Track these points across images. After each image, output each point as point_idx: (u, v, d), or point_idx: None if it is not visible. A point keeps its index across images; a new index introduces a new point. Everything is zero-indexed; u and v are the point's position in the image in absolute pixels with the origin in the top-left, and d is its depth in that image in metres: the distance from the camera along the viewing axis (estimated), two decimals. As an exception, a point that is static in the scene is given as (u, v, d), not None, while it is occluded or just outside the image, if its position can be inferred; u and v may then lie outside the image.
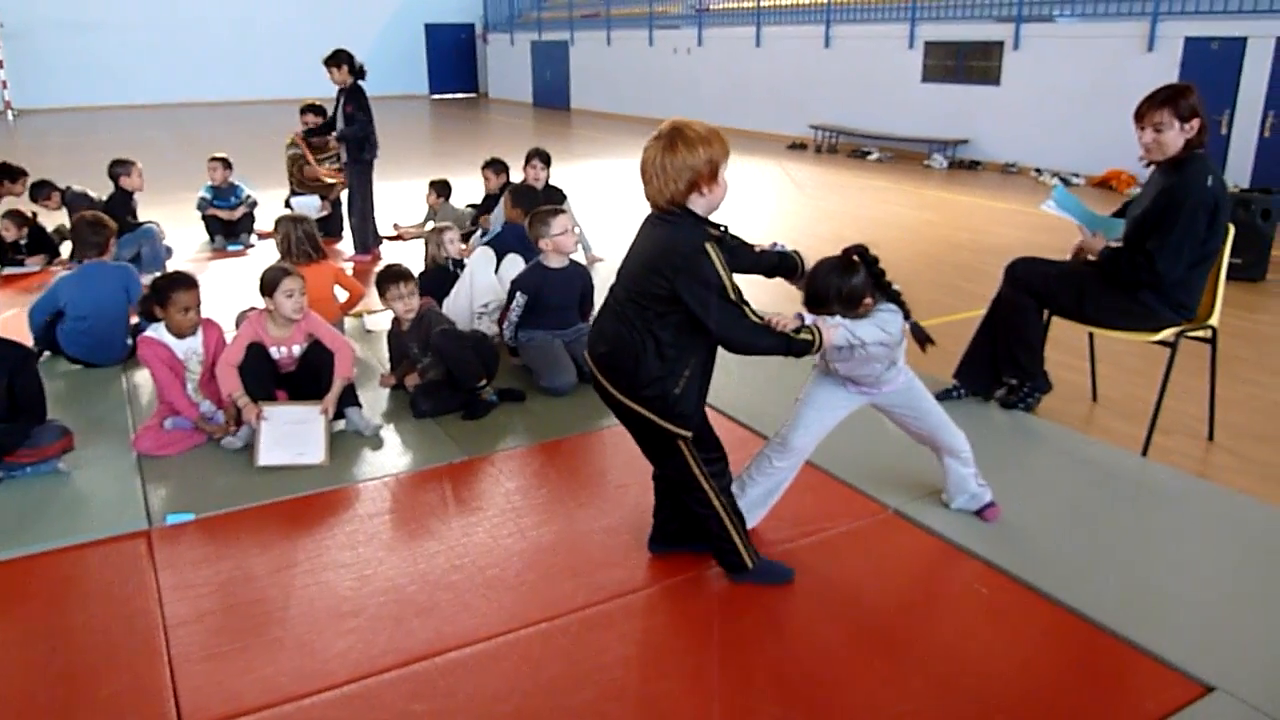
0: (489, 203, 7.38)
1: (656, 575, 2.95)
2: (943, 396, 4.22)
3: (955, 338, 5.51)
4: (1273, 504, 3.44)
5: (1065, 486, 3.54)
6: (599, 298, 3.15)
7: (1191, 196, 3.57)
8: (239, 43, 25.17)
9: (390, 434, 4.04)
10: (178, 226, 8.11)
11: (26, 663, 2.56)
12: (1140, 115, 3.67)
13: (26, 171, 7.40)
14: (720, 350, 2.71)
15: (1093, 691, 2.45)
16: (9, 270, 6.95)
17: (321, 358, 4.04)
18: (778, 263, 2.93)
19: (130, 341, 4.85)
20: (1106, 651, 2.60)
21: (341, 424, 4.03)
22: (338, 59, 7.09)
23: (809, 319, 2.64)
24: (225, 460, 3.78)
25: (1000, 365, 4.16)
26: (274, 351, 4.07)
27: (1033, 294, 3.98)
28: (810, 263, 2.88)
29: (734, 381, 4.55)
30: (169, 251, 7.17)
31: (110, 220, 5.11)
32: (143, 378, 4.58)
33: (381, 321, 5.18)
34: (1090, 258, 3.94)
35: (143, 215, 7.29)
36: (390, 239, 8.00)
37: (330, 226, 7.99)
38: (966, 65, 13.49)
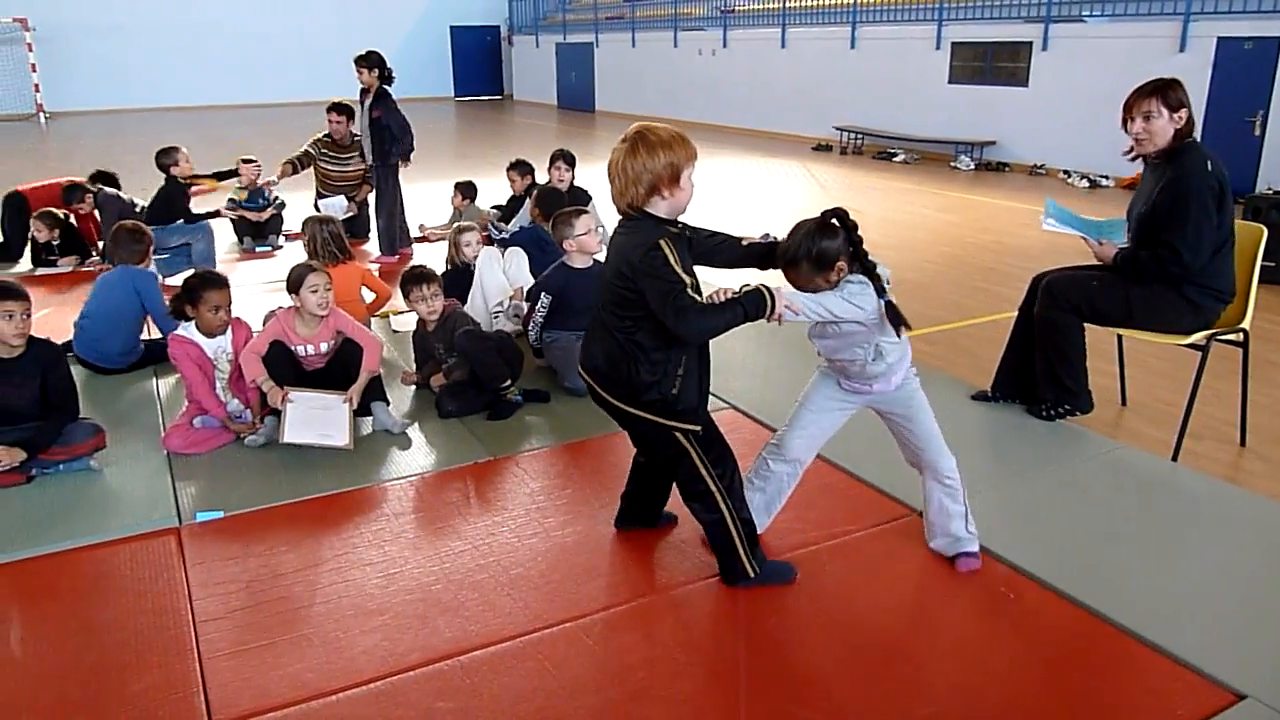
0: (514, 204, 7.41)
1: (681, 577, 2.95)
2: (980, 398, 4.21)
3: (979, 340, 5.49)
4: (1305, 510, 3.40)
5: (1094, 491, 3.51)
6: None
7: (1195, 182, 3.59)
8: (265, 46, 25.37)
9: (416, 434, 4.07)
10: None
11: (58, 657, 2.60)
12: (1129, 106, 3.71)
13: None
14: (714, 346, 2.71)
15: (1121, 698, 2.43)
16: (42, 270, 7.05)
17: (352, 355, 4.08)
18: (768, 253, 2.82)
19: (140, 349, 4.87)
20: (1135, 658, 2.58)
21: (369, 421, 4.07)
22: (370, 60, 7.13)
23: (761, 286, 2.56)
24: (253, 458, 3.82)
25: (1040, 385, 4.03)
26: (301, 350, 4.11)
27: (1075, 310, 3.87)
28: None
29: (759, 384, 4.55)
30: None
31: (149, 230, 5.12)
32: (172, 377, 4.63)
33: (408, 322, 5.21)
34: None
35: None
36: (417, 240, 8.04)
37: (357, 228, 8.04)
38: (994, 66, 13.40)
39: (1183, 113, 3.64)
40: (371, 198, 7.76)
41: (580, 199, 6.36)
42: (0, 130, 19.65)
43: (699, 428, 2.70)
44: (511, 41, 28.43)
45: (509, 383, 4.24)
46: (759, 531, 2.99)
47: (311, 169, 8.25)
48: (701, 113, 19.56)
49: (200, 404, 3.92)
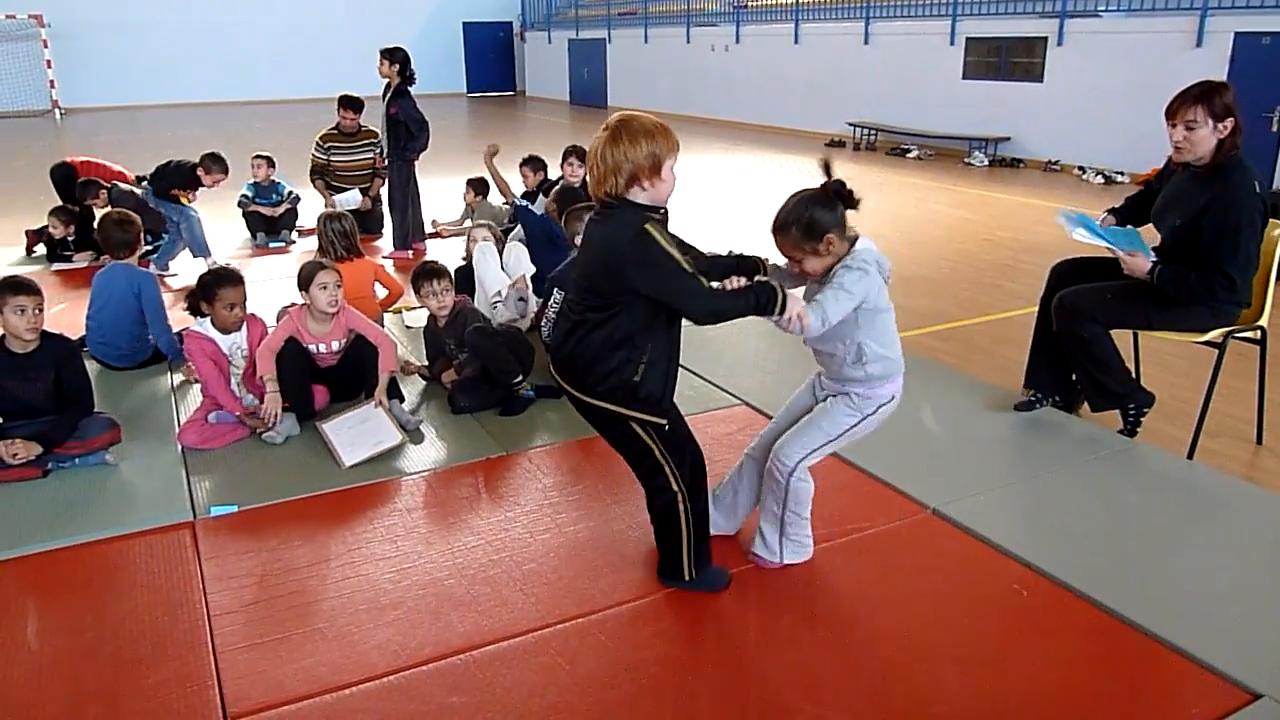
0: (527, 200, 7.40)
1: (693, 572, 2.95)
2: (1023, 407, 4.09)
3: (995, 337, 5.47)
4: (1323, 508, 3.37)
5: (1108, 489, 3.49)
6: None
7: (1247, 207, 3.49)
8: (279, 42, 25.44)
9: (429, 429, 4.08)
10: (220, 223, 8.23)
11: (74, 650, 2.62)
12: (1172, 112, 3.57)
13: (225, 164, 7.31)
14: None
15: (1135, 697, 2.42)
16: (57, 266, 7.10)
17: (364, 352, 4.10)
18: (735, 265, 2.79)
19: (149, 347, 4.85)
20: (1150, 657, 2.56)
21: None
22: (394, 55, 7.15)
23: (774, 281, 2.56)
24: (267, 453, 3.83)
25: (1092, 399, 3.94)
26: (313, 348, 4.13)
27: (1096, 320, 3.78)
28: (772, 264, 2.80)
29: (772, 381, 4.54)
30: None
31: (137, 219, 5.02)
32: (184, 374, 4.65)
33: (421, 318, 5.22)
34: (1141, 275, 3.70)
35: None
36: (429, 236, 8.06)
37: (370, 223, 8.06)
38: (1009, 62, 13.33)
39: (1228, 122, 3.48)
40: (384, 192, 7.78)
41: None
42: (16, 126, 19.78)
43: (664, 421, 2.63)
44: (524, 37, 28.42)
45: (520, 378, 4.25)
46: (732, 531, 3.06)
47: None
48: (714, 109, 19.53)
49: (215, 399, 3.94)
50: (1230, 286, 3.53)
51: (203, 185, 7.14)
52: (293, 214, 8.17)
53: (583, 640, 2.65)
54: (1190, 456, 3.77)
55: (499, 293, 5.07)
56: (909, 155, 14.12)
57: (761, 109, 18.26)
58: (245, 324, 4.09)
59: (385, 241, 7.95)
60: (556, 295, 4.58)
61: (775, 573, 2.95)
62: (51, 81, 22.50)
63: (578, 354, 2.58)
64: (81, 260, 7.16)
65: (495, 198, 8.16)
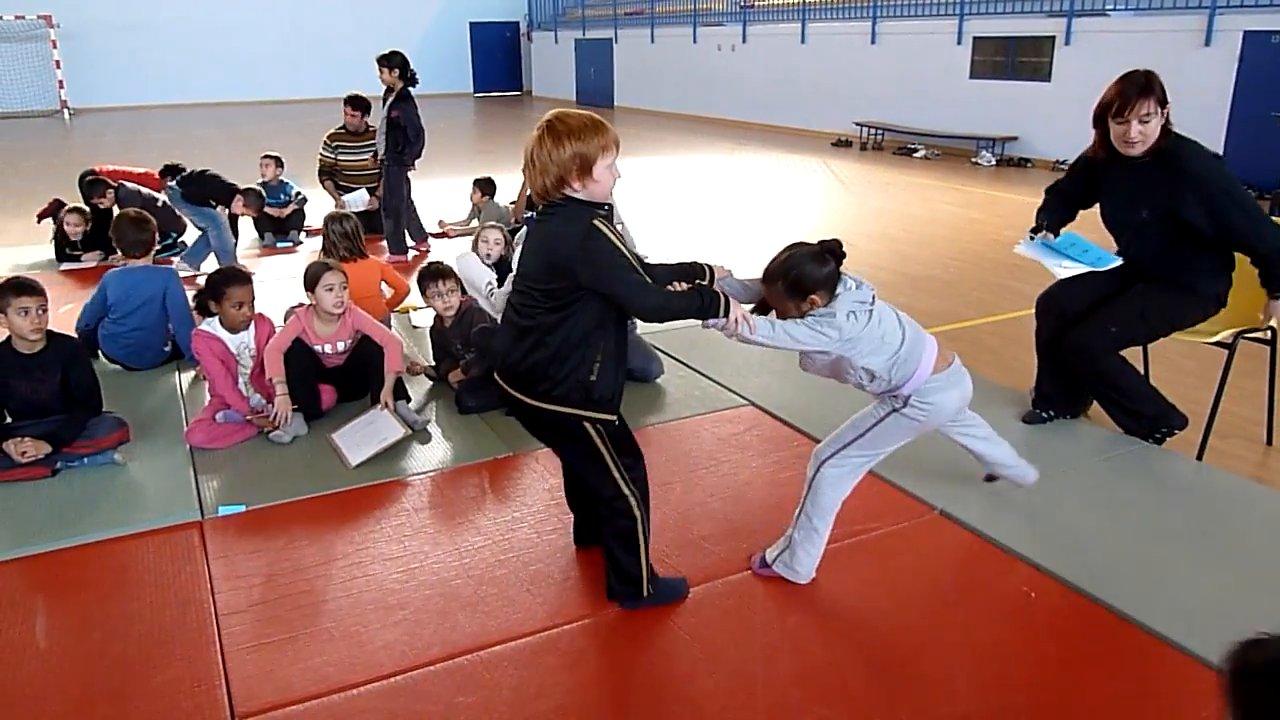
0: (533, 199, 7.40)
1: (700, 573, 2.95)
2: (1031, 420, 4.04)
3: (1003, 337, 5.46)
4: (1333, 510, 3.36)
5: (1117, 490, 3.48)
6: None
7: (1215, 169, 3.50)
8: (287, 43, 25.49)
9: (435, 429, 4.08)
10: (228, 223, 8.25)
11: (83, 649, 2.62)
12: (1123, 109, 3.45)
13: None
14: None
15: (1144, 699, 2.41)
16: (66, 266, 7.12)
17: (370, 353, 4.10)
18: (684, 271, 2.73)
19: (167, 348, 4.87)
20: (1159, 658, 2.55)
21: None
22: (391, 60, 7.12)
23: (720, 287, 2.53)
24: (276, 453, 3.84)
25: (1127, 426, 3.88)
26: (319, 348, 4.14)
27: (1111, 351, 3.74)
28: (721, 273, 2.74)
29: (778, 382, 4.53)
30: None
31: (153, 220, 5.02)
32: (195, 372, 4.67)
33: (428, 318, 5.23)
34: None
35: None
36: (436, 236, 8.06)
37: (377, 223, 8.06)
38: (1016, 61, 13.29)
39: (1168, 107, 3.47)
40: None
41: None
42: (25, 126, 19.85)
43: (613, 417, 2.58)
44: (530, 37, 28.43)
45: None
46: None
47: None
48: (721, 108, 19.52)
49: (223, 399, 3.95)
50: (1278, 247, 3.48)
51: (232, 209, 7.15)
52: (300, 214, 8.18)
53: (590, 641, 2.65)
54: (1200, 457, 3.75)
55: (489, 282, 5.05)
56: (916, 155, 14.09)
57: (768, 109, 18.24)
58: (253, 324, 4.10)
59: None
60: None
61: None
62: (60, 82, 22.59)
63: (533, 360, 2.48)
64: (90, 260, 7.18)
65: (501, 198, 8.17)
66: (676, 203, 10.09)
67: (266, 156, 8.20)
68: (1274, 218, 3.63)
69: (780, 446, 3.86)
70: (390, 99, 7.18)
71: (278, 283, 6.44)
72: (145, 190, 7.40)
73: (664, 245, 7.65)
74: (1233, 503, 3.41)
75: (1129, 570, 2.93)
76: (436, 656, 2.57)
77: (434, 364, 4.63)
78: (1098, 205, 3.87)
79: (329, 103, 10.54)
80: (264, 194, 7.30)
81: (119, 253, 6.99)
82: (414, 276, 4.63)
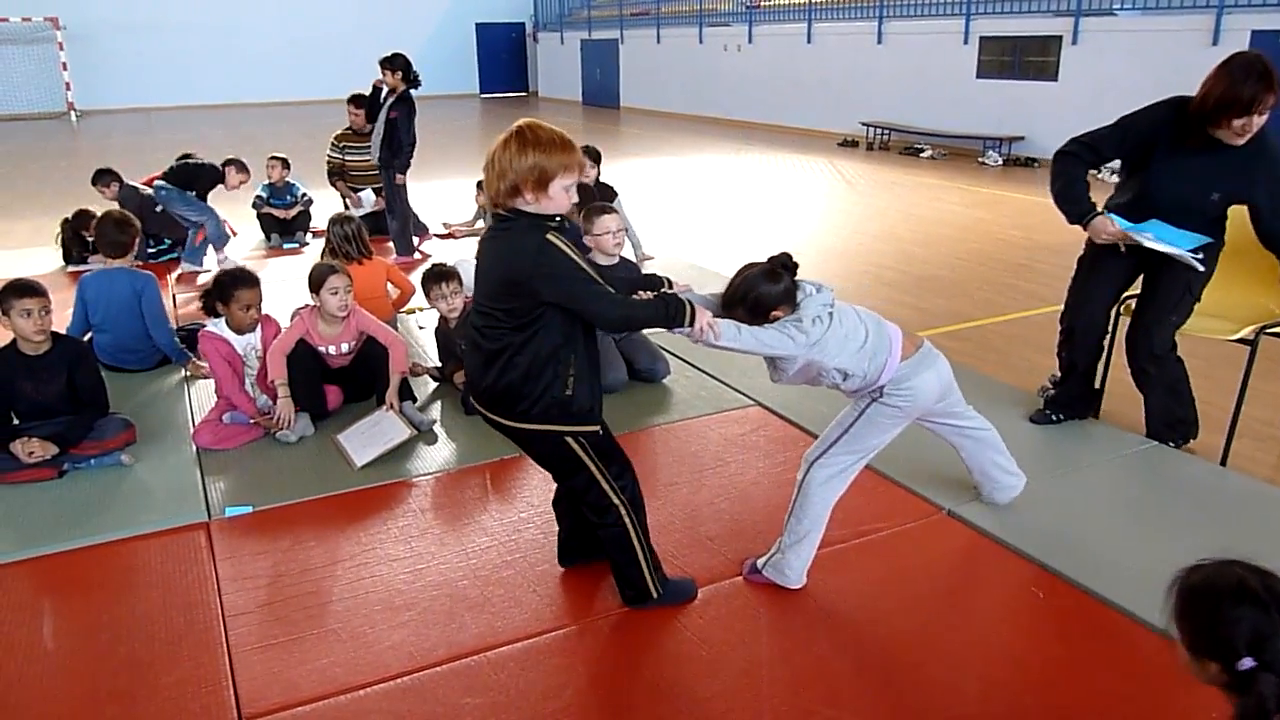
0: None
1: (707, 574, 2.94)
2: (1039, 420, 4.01)
3: (1009, 337, 5.44)
4: (1345, 510, 3.33)
5: (1126, 490, 3.47)
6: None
7: None
8: (293, 44, 25.52)
9: (441, 430, 4.08)
10: (234, 224, 8.26)
11: (90, 651, 2.63)
12: (1249, 102, 3.22)
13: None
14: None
15: (1153, 700, 2.40)
16: (73, 268, 7.13)
17: (376, 354, 4.10)
18: (639, 282, 2.72)
19: (158, 352, 4.83)
20: (1168, 660, 2.53)
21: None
22: (394, 62, 7.12)
23: (684, 296, 2.52)
24: (283, 454, 3.84)
25: (1160, 431, 3.82)
26: (323, 350, 4.14)
27: (1175, 347, 3.70)
28: (680, 288, 2.71)
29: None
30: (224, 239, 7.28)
31: (136, 222, 4.96)
32: (185, 372, 4.68)
33: (434, 318, 5.23)
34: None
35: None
36: (441, 237, 8.06)
37: (383, 224, 8.07)
38: (1023, 60, 13.26)
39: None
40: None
41: (606, 195, 6.36)
42: (32, 128, 19.91)
43: (595, 428, 2.57)
44: (536, 38, 28.45)
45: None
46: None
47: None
48: (727, 109, 19.51)
49: (229, 400, 3.95)
50: None
51: (227, 185, 7.16)
52: (306, 216, 8.18)
53: (597, 641, 2.64)
54: (1223, 463, 3.71)
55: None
56: (922, 155, 14.06)
57: (774, 109, 18.23)
58: (259, 325, 4.10)
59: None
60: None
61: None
62: (67, 84, 22.65)
63: (506, 382, 2.44)
64: (96, 262, 7.18)
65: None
66: (682, 203, 10.08)
67: (273, 158, 8.21)
68: None
69: (787, 447, 3.85)
70: (390, 100, 7.18)
71: (284, 284, 6.44)
72: (146, 191, 7.37)
73: (669, 246, 7.64)
74: (1246, 505, 3.38)
75: (1138, 571, 2.91)
76: (443, 657, 2.57)
77: (439, 365, 4.63)
78: (1124, 176, 3.75)
79: (335, 104, 10.54)
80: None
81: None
82: (417, 275, 4.62)
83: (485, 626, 2.70)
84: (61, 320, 3.77)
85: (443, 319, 4.54)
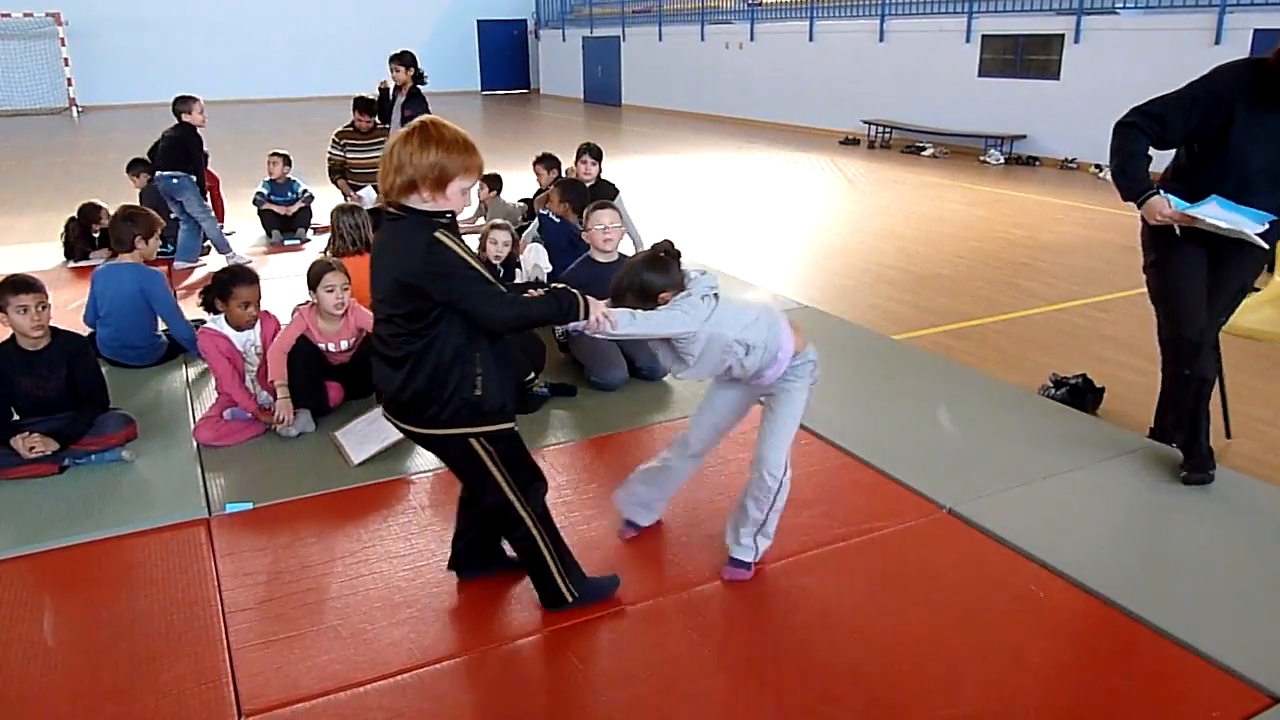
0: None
1: (709, 572, 2.94)
2: (1192, 481, 3.51)
3: (1011, 336, 5.44)
4: (1345, 510, 3.33)
5: (1126, 489, 3.46)
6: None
7: None
8: (295, 41, 25.51)
9: (443, 427, 4.07)
10: (235, 220, 8.27)
11: (91, 646, 2.63)
12: None
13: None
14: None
15: (1154, 699, 2.40)
16: (74, 264, 7.13)
17: (377, 350, 4.10)
18: (535, 286, 2.69)
19: (160, 348, 4.84)
20: (1168, 659, 2.54)
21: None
22: (404, 59, 7.18)
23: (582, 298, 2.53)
24: (283, 450, 3.84)
25: (1166, 431, 3.69)
26: (323, 347, 4.14)
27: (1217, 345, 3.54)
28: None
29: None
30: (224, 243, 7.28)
31: (155, 216, 4.95)
32: (200, 367, 4.67)
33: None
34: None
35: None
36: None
37: (385, 220, 8.07)
38: (1025, 59, 13.25)
39: None
40: None
41: (607, 193, 6.35)
42: (34, 124, 19.92)
43: (509, 425, 2.52)
44: (538, 35, 28.44)
45: (533, 375, 4.25)
46: (645, 524, 3.12)
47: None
48: (728, 107, 19.49)
49: (230, 396, 3.95)
50: None
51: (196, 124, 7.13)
52: (307, 212, 8.19)
53: (596, 639, 2.64)
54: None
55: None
56: (924, 153, 14.05)
57: (776, 107, 18.22)
58: (259, 321, 4.10)
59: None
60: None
61: (788, 572, 2.93)
62: (69, 79, 22.65)
63: (414, 389, 2.39)
64: (98, 258, 7.18)
65: (509, 195, 8.17)
66: (684, 201, 10.07)
67: (274, 154, 8.21)
68: None
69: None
70: (401, 98, 7.21)
71: (284, 280, 6.44)
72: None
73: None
74: (1248, 505, 3.38)
75: (1138, 570, 2.92)
76: (444, 654, 2.57)
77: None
78: (1183, 160, 3.49)
79: (337, 101, 10.53)
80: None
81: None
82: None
83: (486, 624, 2.70)
84: (68, 315, 3.76)
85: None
